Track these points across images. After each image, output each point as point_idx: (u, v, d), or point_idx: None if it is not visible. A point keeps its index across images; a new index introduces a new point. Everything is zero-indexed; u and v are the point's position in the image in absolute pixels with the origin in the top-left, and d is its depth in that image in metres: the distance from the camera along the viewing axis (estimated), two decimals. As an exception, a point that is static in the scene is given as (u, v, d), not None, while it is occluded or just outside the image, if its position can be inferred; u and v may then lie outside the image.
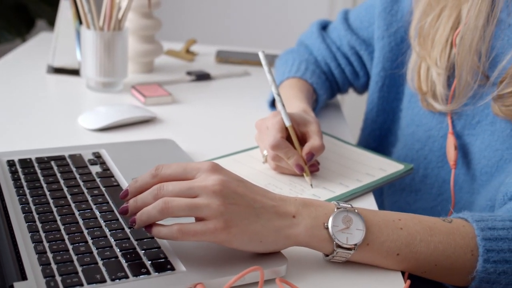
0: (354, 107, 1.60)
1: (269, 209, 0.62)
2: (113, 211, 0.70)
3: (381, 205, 1.09)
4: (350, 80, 1.14)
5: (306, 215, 0.64)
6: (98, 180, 0.78)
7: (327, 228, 0.63)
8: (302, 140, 0.87)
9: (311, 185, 0.83)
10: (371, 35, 1.09)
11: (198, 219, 0.61)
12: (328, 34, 1.15)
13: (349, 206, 0.65)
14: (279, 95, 0.86)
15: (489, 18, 0.82)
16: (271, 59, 1.40)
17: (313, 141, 0.85)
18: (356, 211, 0.65)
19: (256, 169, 0.87)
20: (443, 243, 0.65)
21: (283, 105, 0.85)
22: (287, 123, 0.85)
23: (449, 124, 0.93)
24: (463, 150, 0.92)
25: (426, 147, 0.98)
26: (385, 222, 0.65)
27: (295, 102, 0.98)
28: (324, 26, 1.17)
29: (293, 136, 0.85)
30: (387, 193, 1.07)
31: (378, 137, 1.11)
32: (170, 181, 0.63)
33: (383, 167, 0.88)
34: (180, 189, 0.61)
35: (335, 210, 0.64)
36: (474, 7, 0.80)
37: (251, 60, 1.41)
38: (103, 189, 0.76)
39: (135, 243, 0.64)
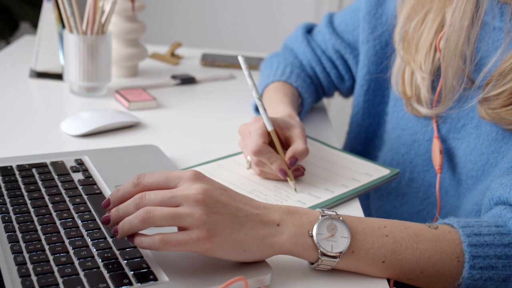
0: (341, 110, 1.60)
1: (253, 217, 0.62)
2: (95, 220, 0.69)
3: (367, 209, 1.08)
4: (335, 83, 1.13)
5: (290, 223, 0.63)
6: (80, 188, 0.77)
7: (312, 236, 0.63)
8: (287, 144, 0.87)
9: (295, 189, 0.82)
10: (356, 39, 1.08)
11: (181, 229, 0.60)
12: (313, 37, 1.15)
13: (334, 213, 0.65)
14: (260, 99, 0.85)
15: (473, 20, 0.81)
16: (257, 62, 1.40)
17: (296, 145, 0.84)
18: (341, 218, 0.64)
19: (241, 175, 0.86)
20: (429, 250, 0.65)
21: (265, 110, 0.85)
22: (269, 128, 0.84)
23: (434, 128, 0.93)
24: (448, 154, 0.92)
25: (412, 151, 0.97)
26: (370, 229, 0.65)
27: (280, 106, 0.97)
28: (309, 30, 1.17)
29: (275, 141, 0.84)
30: (373, 197, 1.06)
31: (364, 140, 1.11)
32: (152, 190, 0.62)
33: (368, 172, 0.88)
34: (162, 198, 0.60)
35: (320, 217, 0.64)
36: (459, 8, 0.80)
37: (237, 63, 1.40)
38: (85, 197, 0.74)
39: (117, 253, 0.63)
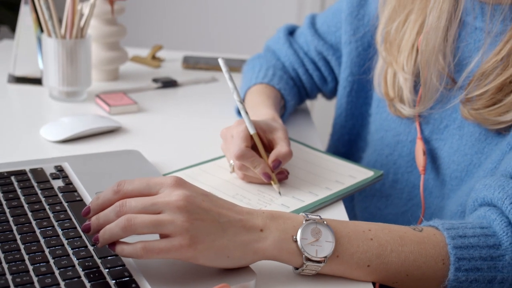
0: (323, 112, 1.59)
1: (236, 223, 0.61)
2: (75, 228, 0.68)
3: (351, 211, 1.08)
4: (318, 85, 1.13)
5: (274, 228, 0.62)
6: (60, 195, 0.75)
7: (296, 241, 0.62)
8: (270, 147, 0.86)
9: (279, 192, 0.82)
10: (339, 40, 1.08)
11: (163, 236, 0.59)
12: (295, 39, 1.14)
13: (318, 217, 0.64)
14: (241, 102, 0.84)
15: (451, 19, 0.81)
16: (239, 64, 1.39)
17: (279, 148, 0.83)
18: (325, 222, 0.63)
19: (224, 179, 0.85)
20: (414, 253, 0.64)
21: (247, 113, 0.84)
22: (251, 131, 0.83)
23: (417, 129, 0.93)
24: (432, 155, 0.92)
25: (395, 152, 0.97)
26: (355, 233, 0.64)
27: (262, 109, 0.96)
28: (291, 32, 1.16)
29: (258, 144, 0.83)
30: (357, 199, 1.06)
31: (348, 142, 1.11)
32: (133, 197, 0.61)
33: (352, 174, 0.87)
34: (143, 205, 0.59)
35: (304, 222, 0.63)
36: (436, 8, 0.80)
37: (219, 65, 1.39)
38: (65, 204, 0.73)
39: (98, 261, 0.62)
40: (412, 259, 0.64)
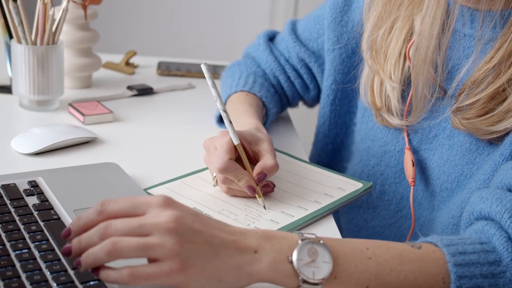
0: (305, 120, 1.56)
1: (229, 244, 0.57)
2: (54, 249, 0.63)
3: (336, 222, 1.04)
4: (300, 93, 1.10)
5: (268, 249, 0.59)
6: (36, 213, 0.70)
7: (292, 262, 0.58)
8: (255, 159, 0.82)
9: (264, 206, 0.78)
10: (321, 47, 1.05)
11: (151, 260, 0.55)
12: (275, 45, 1.11)
13: (314, 236, 0.61)
14: (225, 111, 0.81)
15: (444, 27, 0.79)
16: (213, 70, 1.35)
17: (265, 160, 0.80)
18: (321, 242, 0.60)
19: (208, 193, 0.81)
20: (414, 272, 0.62)
21: (230, 122, 0.80)
22: (235, 142, 0.80)
23: (406, 139, 0.90)
24: (421, 166, 0.90)
25: (383, 163, 0.94)
26: (353, 252, 0.61)
27: (245, 118, 0.93)
28: (271, 38, 1.13)
29: (242, 156, 0.80)
30: (343, 210, 1.03)
31: (331, 151, 1.08)
32: (118, 218, 0.56)
33: (341, 186, 0.84)
34: (130, 227, 0.55)
35: (299, 242, 0.60)
36: (428, 15, 0.77)
37: (195, 72, 1.35)
38: (41, 224, 0.68)
39: (80, 287, 0.58)
40: (412, 278, 0.61)
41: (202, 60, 1.47)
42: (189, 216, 0.57)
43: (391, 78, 0.88)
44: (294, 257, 0.59)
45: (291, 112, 1.18)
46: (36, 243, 0.64)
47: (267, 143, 0.83)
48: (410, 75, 0.88)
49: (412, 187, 0.88)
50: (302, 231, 0.62)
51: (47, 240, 0.65)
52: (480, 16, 0.80)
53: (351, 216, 1.01)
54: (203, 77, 1.34)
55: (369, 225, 0.98)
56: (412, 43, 0.86)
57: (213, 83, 0.81)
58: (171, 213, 0.56)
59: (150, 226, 0.55)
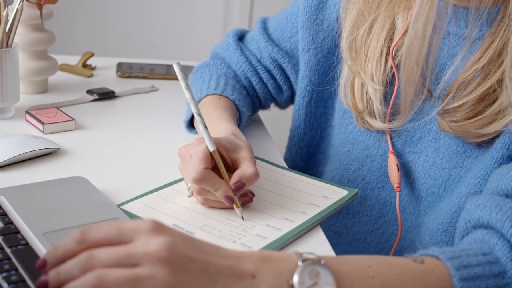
0: (276, 123, 1.49)
1: (225, 271, 0.52)
2: (25, 281, 0.57)
3: (315, 229, 1.01)
4: (273, 95, 1.05)
5: (267, 273, 0.54)
6: (0, 238, 0.63)
7: (292, 286, 0.54)
8: (233, 167, 0.77)
9: (242, 217, 0.73)
10: (294, 46, 1.00)
11: (141, 294, 0.49)
12: (246, 45, 1.06)
13: (314, 256, 0.56)
14: (200, 115, 0.75)
15: (435, 27, 0.75)
16: (167, 70, 1.29)
17: (244, 168, 0.75)
18: (322, 262, 0.56)
19: (187, 208, 0.76)
20: (419, 289, 0.58)
21: (206, 127, 0.74)
22: (211, 148, 0.74)
23: (389, 142, 0.87)
24: (405, 169, 0.86)
25: (364, 167, 0.91)
26: (355, 271, 0.57)
27: (220, 124, 0.87)
28: (240, 37, 1.08)
29: (218, 163, 0.74)
30: (322, 217, 0.99)
31: (306, 155, 1.03)
32: (101, 247, 0.51)
33: (326, 194, 0.80)
34: (116, 257, 0.49)
35: (299, 263, 0.55)
36: (422, 14, 0.73)
37: (157, 73, 1.29)
38: (8, 251, 0.62)
39: (59, 324, 0.51)
40: (417, 296, 0.58)
41: (162, 60, 1.41)
42: (182, 242, 0.51)
43: (372, 79, 0.85)
44: (295, 280, 0.54)
45: (261, 114, 1.14)
46: (4, 274, 0.58)
47: (247, 150, 0.78)
48: (393, 76, 0.85)
49: (398, 193, 0.84)
50: (300, 251, 0.57)
51: (16, 270, 0.58)
52: (467, 14, 0.77)
53: (330, 223, 0.97)
54: (166, 78, 1.29)
55: (350, 232, 0.94)
56: (396, 43, 0.82)
57: (187, 84, 0.75)
58: (162, 239, 0.50)
59: (139, 256, 0.49)
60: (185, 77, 0.75)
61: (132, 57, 1.43)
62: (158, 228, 0.51)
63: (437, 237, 0.80)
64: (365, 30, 0.85)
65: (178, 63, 0.74)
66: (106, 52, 1.80)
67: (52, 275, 0.51)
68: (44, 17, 1.08)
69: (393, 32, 0.85)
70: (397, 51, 0.84)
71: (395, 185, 0.84)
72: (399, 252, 0.87)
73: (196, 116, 0.75)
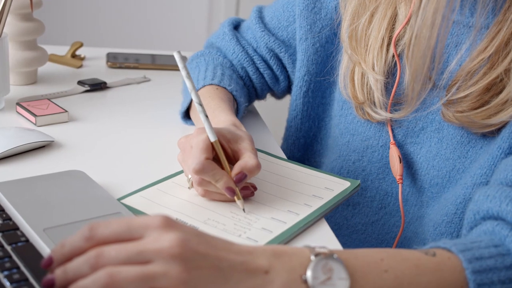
0: (272, 113, 1.47)
1: (238, 267, 0.51)
2: (28, 279, 0.55)
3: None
4: (269, 85, 1.03)
5: (280, 269, 0.52)
6: (-1, 235, 0.61)
7: (306, 281, 0.53)
8: (234, 159, 0.76)
9: (243, 209, 0.72)
10: (291, 35, 0.99)
11: (154, 291, 0.48)
12: (241, 34, 1.04)
13: (326, 250, 0.55)
14: (201, 105, 0.73)
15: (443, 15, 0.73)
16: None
17: (246, 160, 0.73)
18: (335, 256, 0.55)
19: (189, 201, 0.74)
20: (432, 283, 0.57)
21: (207, 117, 0.72)
22: (212, 138, 0.72)
23: (390, 133, 0.86)
24: (406, 160, 0.85)
25: (365, 158, 0.90)
26: (368, 265, 0.56)
27: (219, 114, 0.86)
28: (235, 26, 1.06)
29: (220, 153, 0.73)
30: (321, 209, 0.98)
31: (303, 146, 1.02)
32: (111, 244, 0.49)
33: (328, 186, 0.79)
34: (127, 254, 0.48)
35: (312, 258, 0.54)
36: (431, 2, 0.71)
37: (147, 63, 1.26)
38: (8, 248, 0.59)
39: (66, 324, 0.50)
40: (430, 289, 0.57)
41: (151, 50, 1.39)
42: (194, 238, 0.50)
43: (373, 69, 0.83)
44: (309, 275, 0.53)
45: (256, 104, 1.12)
46: (5, 273, 0.55)
47: (248, 141, 0.76)
48: (395, 65, 0.84)
49: (400, 185, 0.83)
50: (311, 245, 0.56)
51: (18, 268, 0.56)
52: (473, 2, 0.76)
53: (329, 214, 0.95)
54: (157, 69, 1.27)
55: (349, 223, 0.93)
56: (399, 32, 0.81)
57: (188, 73, 0.72)
58: (174, 235, 0.48)
59: (151, 252, 0.48)
60: (186, 66, 0.73)
61: (120, 47, 1.40)
62: (169, 224, 0.50)
63: (441, 228, 0.80)
64: (366, 19, 0.84)
65: (178, 52, 0.72)
66: (94, 42, 1.76)
67: (59, 273, 0.49)
68: (34, 6, 1.05)
69: (394, 21, 0.83)
70: (398, 40, 0.82)
71: (398, 177, 0.83)
72: (402, 244, 0.87)
73: (197, 106, 0.73)
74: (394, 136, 0.86)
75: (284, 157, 0.90)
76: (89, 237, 0.49)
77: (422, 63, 0.73)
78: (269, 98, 1.10)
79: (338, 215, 0.95)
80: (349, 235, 0.94)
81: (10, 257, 0.58)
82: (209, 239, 0.51)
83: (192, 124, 0.97)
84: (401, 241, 0.87)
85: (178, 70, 1.26)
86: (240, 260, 0.51)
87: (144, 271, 0.47)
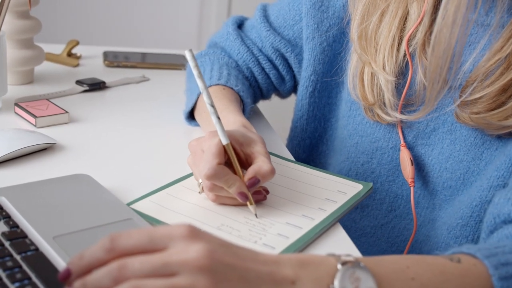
0: (276, 113, 1.44)
1: (265, 277, 0.49)
2: (41, 291, 0.53)
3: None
4: (275, 85, 1.01)
5: (306, 279, 0.51)
6: (7, 244, 0.59)
7: (333, 291, 0.51)
8: (247, 163, 0.73)
9: (256, 214, 0.70)
10: (297, 35, 0.97)
11: (180, 305, 0.46)
12: (246, 34, 1.02)
13: (352, 258, 0.53)
14: (213, 106, 0.70)
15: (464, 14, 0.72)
16: (163, 59, 1.25)
17: (260, 164, 0.71)
18: (362, 264, 0.53)
19: (200, 205, 0.72)
20: (459, 290, 0.55)
21: (219, 119, 0.70)
22: (224, 141, 0.70)
23: (400, 134, 0.84)
24: (417, 162, 0.84)
25: (374, 160, 0.88)
26: (395, 273, 0.54)
27: (228, 116, 0.83)
28: (239, 25, 1.04)
29: (232, 157, 0.70)
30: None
31: (308, 147, 1.00)
32: (134, 256, 0.47)
33: (341, 189, 0.77)
34: (152, 266, 0.46)
35: (339, 267, 0.52)
36: (452, 0, 0.69)
37: (146, 62, 1.24)
38: (17, 258, 0.57)
39: (84, 339, 0.47)
40: (457, 297, 0.55)
41: (149, 49, 1.36)
42: (220, 249, 0.48)
43: (385, 69, 0.82)
44: (336, 285, 0.51)
45: (260, 104, 1.10)
46: (16, 284, 0.53)
47: (261, 144, 0.74)
48: (406, 65, 0.82)
49: (412, 188, 0.82)
50: (337, 253, 0.54)
51: (30, 279, 0.54)
52: (490, 1, 0.74)
53: (337, 217, 0.94)
54: (156, 68, 1.24)
55: (358, 226, 0.92)
56: (413, 31, 0.79)
57: (199, 73, 0.70)
58: (201, 246, 0.46)
59: (176, 264, 0.45)
60: (197, 65, 0.70)
61: (115, 45, 1.37)
62: (194, 234, 0.47)
63: (456, 231, 0.78)
64: (377, 18, 0.82)
65: (190, 50, 0.69)
66: (90, 41, 1.73)
67: (77, 286, 0.47)
68: (32, 3, 1.02)
69: (405, 20, 0.82)
70: (410, 40, 0.81)
71: (409, 180, 0.82)
72: (413, 247, 0.85)
73: (208, 107, 0.70)
74: (404, 138, 0.84)
75: (292, 158, 0.88)
76: (110, 249, 0.47)
77: (443, 62, 0.72)
78: (273, 98, 1.08)
79: (346, 218, 0.93)
80: (357, 238, 0.92)
81: (20, 267, 0.55)
82: (235, 249, 0.49)
83: (196, 125, 0.95)
84: (412, 244, 0.85)
85: (176, 68, 1.24)
86: (267, 271, 0.49)
87: (170, 283, 0.45)
